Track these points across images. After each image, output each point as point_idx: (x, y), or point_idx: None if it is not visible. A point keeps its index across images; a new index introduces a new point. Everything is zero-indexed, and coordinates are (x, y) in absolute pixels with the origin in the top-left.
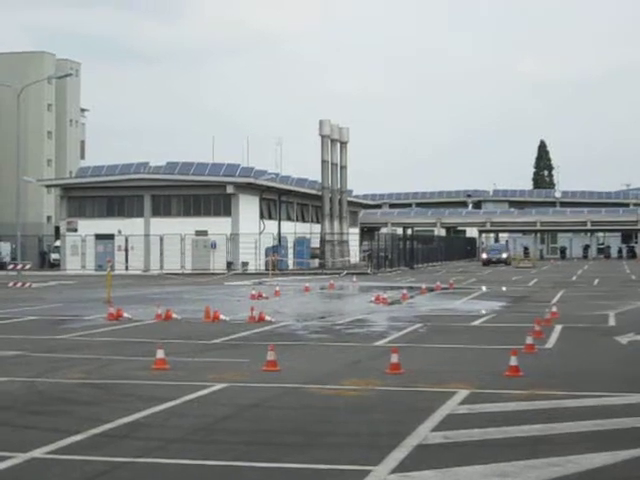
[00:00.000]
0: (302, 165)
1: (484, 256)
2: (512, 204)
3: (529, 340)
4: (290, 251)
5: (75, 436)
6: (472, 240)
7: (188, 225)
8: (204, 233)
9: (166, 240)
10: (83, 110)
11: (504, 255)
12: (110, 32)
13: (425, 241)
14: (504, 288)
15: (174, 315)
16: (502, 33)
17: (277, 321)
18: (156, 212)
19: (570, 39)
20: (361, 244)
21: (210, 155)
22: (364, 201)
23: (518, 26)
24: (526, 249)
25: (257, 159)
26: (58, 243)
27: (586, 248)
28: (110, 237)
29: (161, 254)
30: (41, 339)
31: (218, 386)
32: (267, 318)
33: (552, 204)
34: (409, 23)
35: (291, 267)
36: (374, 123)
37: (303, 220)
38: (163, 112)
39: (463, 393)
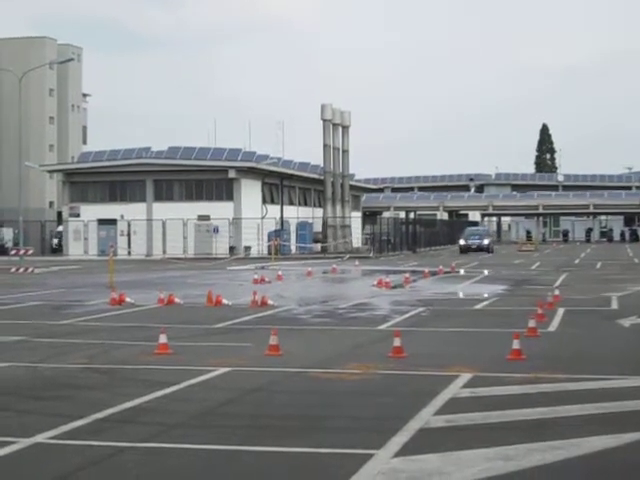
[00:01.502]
0: (304, 149)
1: (461, 242)
2: (514, 187)
3: (532, 323)
4: (292, 235)
5: (78, 421)
6: (475, 224)
7: (190, 210)
8: (206, 218)
9: (168, 225)
10: (85, 95)
11: (485, 241)
12: (112, 17)
13: (427, 225)
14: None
15: (176, 300)
16: (503, 16)
17: (280, 305)
18: (158, 197)
19: (570, 24)
20: (363, 228)
21: (212, 140)
22: (366, 185)
23: (519, 9)
24: (529, 233)
25: (259, 143)
26: (61, 228)
27: (589, 231)
28: (112, 222)
29: (163, 239)
30: (44, 324)
31: (221, 370)
32: (270, 302)
33: (554, 187)
34: (411, 8)
35: (293, 251)
36: (376, 106)
37: (305, 204)
38: (165, 97)
39: (466, 377)
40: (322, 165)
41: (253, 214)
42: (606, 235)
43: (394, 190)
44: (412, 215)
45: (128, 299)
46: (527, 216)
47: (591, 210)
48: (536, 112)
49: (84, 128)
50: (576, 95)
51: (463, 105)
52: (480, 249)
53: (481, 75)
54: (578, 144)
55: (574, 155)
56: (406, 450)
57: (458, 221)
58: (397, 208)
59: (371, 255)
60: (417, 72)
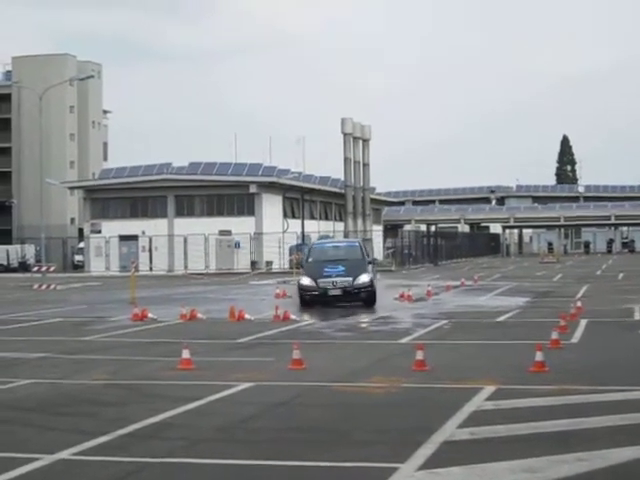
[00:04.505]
0: (325, 163)
1: (305, 282)
2: (535, 199)
3: (554, 335)
4: None
5: (102, 437)
6: (496, 236)
7: (212, 225)
8: (228, 233)
9: (190, 240)
10: (105, 112)
11: (364, 278)
12: (131, 33)
13: (449, 237)
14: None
15: (199, 315)
16: (526, 25)
17: (302, 320)
18: (179, 212)
19: (587, 32)
20: (385, 241)
21: (232, 155)
22: (387, 198)
23: (541, 16)
24: (550, 244)
25: (280, 158)
26: (82, 245)
27: (610, 242)
28: (134, 238)
29: (185, 254)
30: (66, 340)
31: (244, 385)
32: (292, 317)
33: (575, 199)
34: (431, 17)
35: None
36: (396, 120)
37: (326, 218)
38: (185, 112)
39: (489, 389)
40: (343, 179)
41: (274, 229)
42: (628, 246)
43: (415, 203)
44: (433, 228)
45: (150, 315)
46: (548, 228)
47: (612, 221)
48: (556, 122)
49: (105, 144)
50: (597, 104)
51: (483, 116)
52: (348, 296)
53: (501, 85)
54: (599, 154)
55: (595, 166)
56: (430, 463)
57: (480, 233)
58: (418, 221)
59: (393, 268)
60: (436, 84)
